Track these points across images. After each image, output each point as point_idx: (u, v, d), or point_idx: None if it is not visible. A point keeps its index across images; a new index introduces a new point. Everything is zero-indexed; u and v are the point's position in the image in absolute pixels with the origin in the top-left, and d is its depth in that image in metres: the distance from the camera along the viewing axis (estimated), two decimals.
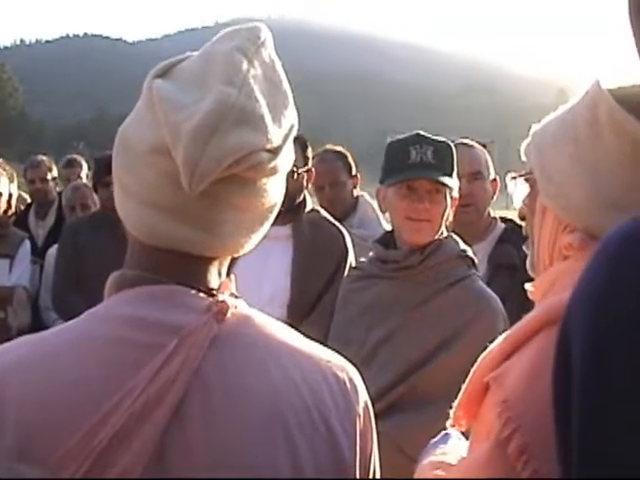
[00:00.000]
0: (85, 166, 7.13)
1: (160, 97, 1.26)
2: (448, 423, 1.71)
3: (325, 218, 3.98)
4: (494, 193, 3.96)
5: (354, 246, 3.92)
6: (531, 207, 1.72)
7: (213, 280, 1.35)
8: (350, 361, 1.45)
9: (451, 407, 1.68)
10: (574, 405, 0.85)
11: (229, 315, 1.29)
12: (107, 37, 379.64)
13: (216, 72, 1.26)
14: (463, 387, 1.60)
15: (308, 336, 1.43)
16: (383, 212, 3.11)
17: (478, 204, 3.83)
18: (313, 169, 4.01)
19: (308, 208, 3.93)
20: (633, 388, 0.78)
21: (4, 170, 5.35)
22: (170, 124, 1.22)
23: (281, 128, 1.30)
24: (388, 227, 4.48)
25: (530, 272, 1.76)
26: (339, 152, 4.99)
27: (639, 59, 0.99)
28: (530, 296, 1.71)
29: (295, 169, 3.72)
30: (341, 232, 3.92)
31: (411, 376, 2.82)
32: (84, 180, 6.77)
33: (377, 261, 3.07)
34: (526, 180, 1.74)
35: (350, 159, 4.97)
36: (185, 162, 1.19)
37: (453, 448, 1.86)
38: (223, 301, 1.30)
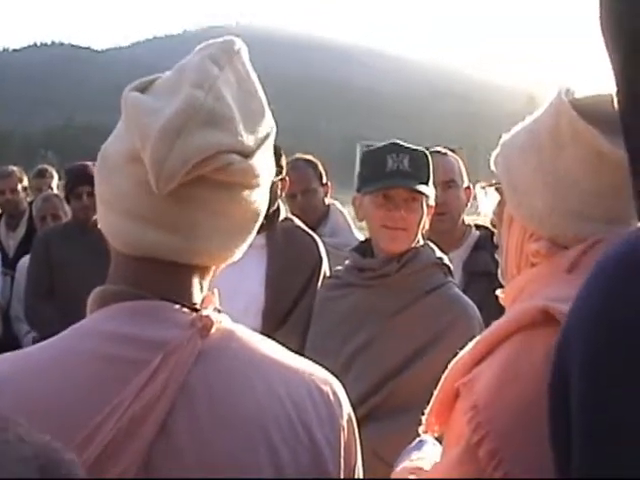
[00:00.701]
0: (56, 176, 7.08)
1: (133, 105, 1.27)
2: (421, 429, 1.72)
3: (299, 227, 3.98)
4: (468, 200, 3.97)
5: (327, 255, 3.92)
6: (499, 216, 1.75)
7: (196, 294, 1.34)
8: (328, 370, 1.45)
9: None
10: (573, 419, 0.85)
11: (213, 330, 1.28)
12: (75, 45, 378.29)
13: (187, 79, 1.27)
14: (435, 393, 1.62)
15: (284, 345, 1.43)
16: (360, 220, 3.11)
17: (452, 212, 3.84)
18: (287, 177, 4.01)
19: (282, 217, 3.93)
20: (631, 402, 0.78)
21: None
22: (140, 127, 1.23)
23: (254, 133, 1.30)
24: (360, 235, 4.50)
25: (501, 279, 1.80)
26: (310, 160, 5.00)
27: (611, 68, 1.00)
28: (501, 302, 1.75)
29: None
30: (315, 241, 3.92)
31: (388, 384, 2.83)
32: (55, 190, 6.72)
33: (354, 269, 3.07)
34: (496, 189, 1.77)
35: (321, 167, 4.98)
36: (152, 162, 1.20)
37: (428, 454, 1.88)
38: (207, 316, 1.29)
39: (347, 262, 3.15)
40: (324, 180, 4.96)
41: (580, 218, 1.54)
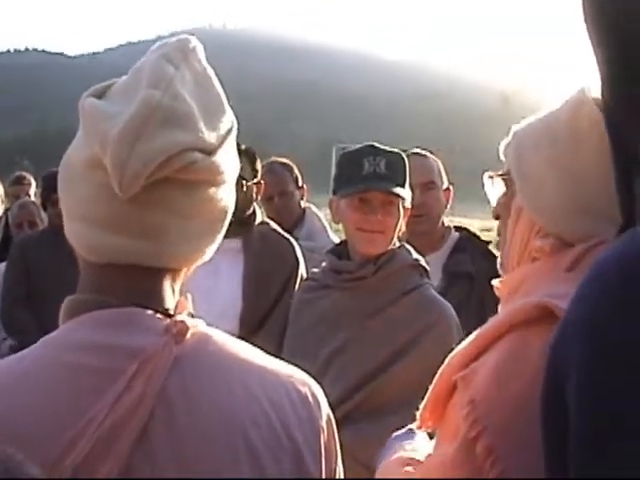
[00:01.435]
0: (34, 184, 7.04)
1: (90, 111, 1.26)
2: (414, 425, 1.71)
3: (275, 230, 3.97)
4: (447, 202, 3.98)
5: (303, 258, 3.92)
6: (506, 207, 1.73)
7: (168, 298, 1.32)
8: (306, 372, 1.44)
9: (410, 416, 1.68)
10: (571, 417, 0.85)
11: (188, 335, 1.27)
12: (47, 51, 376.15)
13: (142, 80, 1.26)
14: (430, 388, 1.60)
15: (261, 348, 1.42)
16: (336, 223, 3.11)
17: (432, 214, 3.84)
18: (262, 181, 4.01)
19: (258, 220, 3.92)
20: (631, 411, 0.78)
21: None
22: (99, 133, 1.22)
23: (216, 130, 1.29)
24: (336, 239, 4.50)
25: (499, 270, 1.78)
26: (286, 164, 5.02)
27: (597, 68, 1.00)
28: (496, 292, 1.73)
29: (244, 182, 3.72)
30: (291, 244, 3.92)
31: (366, 386, 2.82)
32: (33, 198, 6.68)
33: (330, 272, 3.07)
34: (503, 180, 1.75)
35: (296, 171, 5.01)
36: (113, 166, 1.19)
37: (421, 444, 1.85)
38: (182, 321, 1.27)
39: (324, 264, 3.15)
40: (300, 183, 4.98)
41: (589, 216, 1.54)
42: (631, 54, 1.00)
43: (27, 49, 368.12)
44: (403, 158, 2.95)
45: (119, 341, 1.22)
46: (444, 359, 1.58)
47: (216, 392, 1.26)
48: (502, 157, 1.74)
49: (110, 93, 1.33)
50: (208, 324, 1.35)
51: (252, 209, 3.90)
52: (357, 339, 2.89)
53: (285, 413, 1.31)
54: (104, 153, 1.20)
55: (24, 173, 7.38)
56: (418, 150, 3.97)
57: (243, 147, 3.66)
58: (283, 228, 4.09)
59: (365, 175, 2.86)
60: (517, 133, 1.71)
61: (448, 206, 4.00)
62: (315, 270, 3.24)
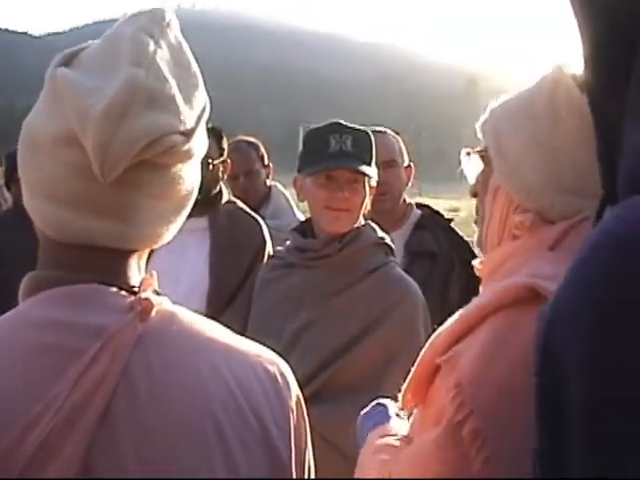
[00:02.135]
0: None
1: (66, 84, 1.21)
2: (397, 405, 1.69)
3: (242, 209, 3.97)
4: (409, 180, 3.97)
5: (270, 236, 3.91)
6: (484, 184, 1.71)
7: (133, 276, 1.30)
8: (271, 349, 1.42)
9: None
10: (569, 397, 0.82)
11: (153, 313, 1.24)
12: (12, 31, 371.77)
13: (122, 54, 1.22)
14: (412, 370, 1.56)
15: (229, 327, 1.39)
16: (301, 201, 3.09)
17: (393, 192, 3.82)
18: (228, 160, 4.00)
19: (224, 199, 3.92)
20: (637, 380, 0.76)
21: None
22: (78, 110, 1.17)
23: (193, 110, 1.27)
24: (302, 217, 4.49)
25: (477, 249, 1.77)
26: (252, 142, 4.99)
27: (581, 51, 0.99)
28: (477, 272, 1.71)
29: (211, 160, 3.71)
30: (258, 222, 3.91)
31: (332, 364, 2.81)
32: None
33: (295, 250, 3.05)
34: (481, 157, 1.73)
35: (262, 149, 4.98)
36: (95, 147, 1.14)
37: (394, 425, 1.82)
38: (147, 299, 1.24)
39: (288, 242, 3.14)
40: (266, 161, 4.97)
41: (570, 193, 1.53)
42: (617, 34, 0.99)
43: None
44: (369, 136, 2.93)
45: (82, 318, 1.19)
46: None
47: (181, 370, 1.23)
48: (479, 134, 1.72)
49: (83, 63, 1.27)
50: (175, 303, 1.33)
51: (218, 188, 3.90)
52: (322, 317, 2.88)
53: (254, 394, 1.29)
54: (83, 133, 1.16)
55: None
56: (379, 128, 3.94)
57: (210, 125, 3.64)
58: (249, 207, 4.08)
59: (332, 153, 2.84)
60: (494, 110, 1.70)
61: (410, 184, 4.00)
62: (279, 248, 3.23)
